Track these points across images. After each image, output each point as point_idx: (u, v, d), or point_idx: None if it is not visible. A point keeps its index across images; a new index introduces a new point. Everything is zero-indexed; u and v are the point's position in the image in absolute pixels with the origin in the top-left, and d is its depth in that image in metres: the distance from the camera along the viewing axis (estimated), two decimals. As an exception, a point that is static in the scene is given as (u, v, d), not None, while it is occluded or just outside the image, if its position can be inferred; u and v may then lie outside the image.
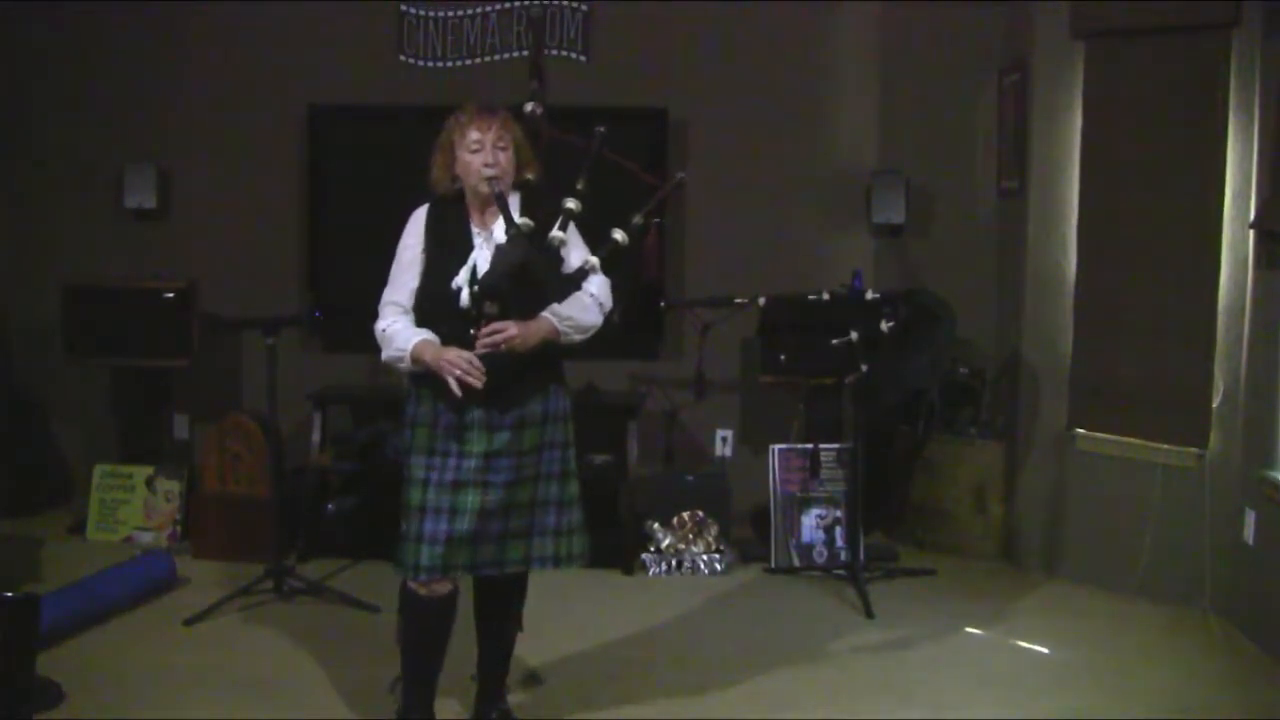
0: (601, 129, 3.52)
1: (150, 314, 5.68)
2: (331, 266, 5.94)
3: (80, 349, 5.72)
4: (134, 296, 5.73)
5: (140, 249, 6.06)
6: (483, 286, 3.35)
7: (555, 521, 3.53)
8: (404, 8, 5.98)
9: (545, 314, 3.40)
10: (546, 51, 5.88)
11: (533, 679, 4.11)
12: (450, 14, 5.98)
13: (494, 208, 3.46)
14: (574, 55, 5.94)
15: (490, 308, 3.33)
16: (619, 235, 3.46)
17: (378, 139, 5.82)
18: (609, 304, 3.52)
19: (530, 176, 3.55)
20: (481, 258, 3.44)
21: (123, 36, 6.05)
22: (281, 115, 6.00)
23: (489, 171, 3.43)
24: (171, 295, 5.69)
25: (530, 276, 3.34)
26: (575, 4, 5.92)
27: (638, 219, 3.51)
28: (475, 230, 3.51)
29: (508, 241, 3.36)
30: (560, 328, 3.42)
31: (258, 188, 6.08)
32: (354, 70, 5.95)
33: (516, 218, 3.40)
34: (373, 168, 5.81)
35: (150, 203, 6.00)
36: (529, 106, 4.25)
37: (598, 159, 3.53)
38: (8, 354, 6.20)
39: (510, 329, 3.34)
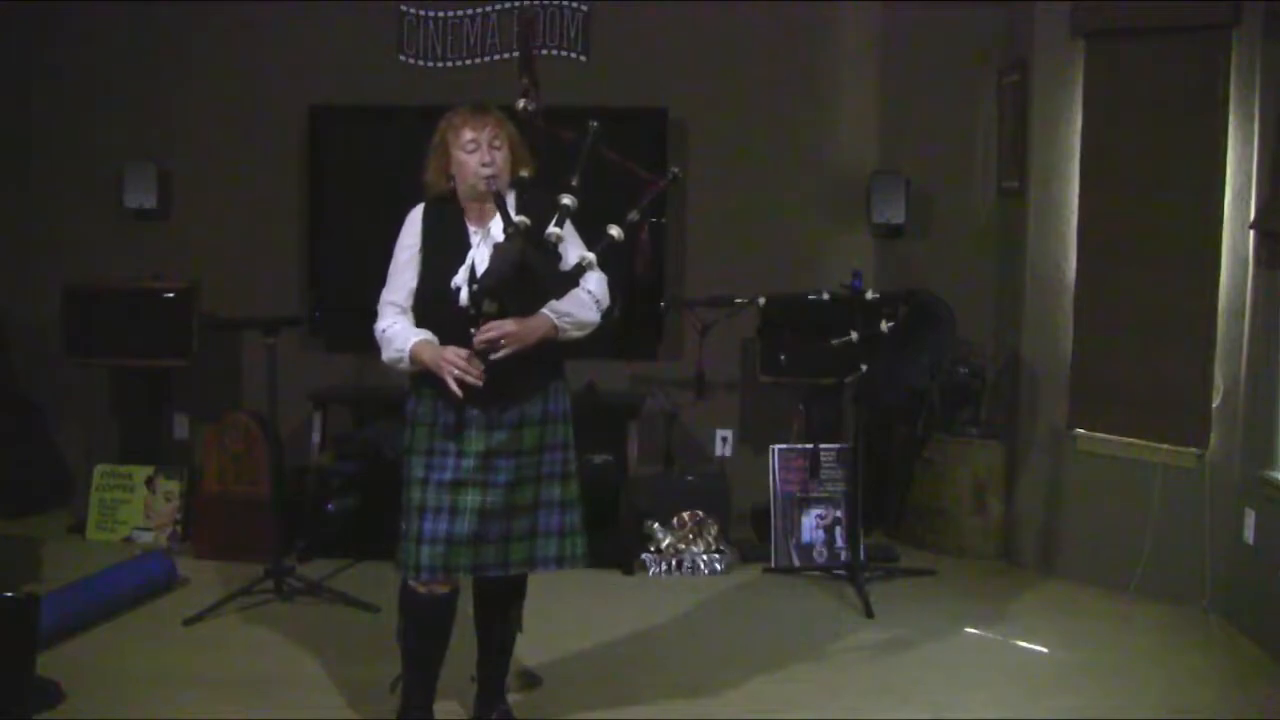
0: (595, 124, 3.51)
1: (150, 314, 5.68)
2: (331, 266, 5.94)
3: (80, 349, 5.71)
4: (134, 296, 5.73)
5: (140, 249, 6.06)
6: (482, 285, 3.34)
7: (559, 523, 3.53)
8: (404, 8, 5.98)
9: (544, 311, 3.40)
10: (545, 51, 5.88)
11: (532, 679, 4.10)
12: (450, 14, 5.98)
13: (490, 206, 3.46)
14: (573, 55, 5.94)
15: (489, 306, 3.32)
16: (615, 232, 3.45)
17: (378, 139, 5.82)
18: (606, 300, 3.52)
19: (525, 174, 3.55)
20: (479, 256, 3.44)
21: (123, 36, 6.05)
22: (281, 115, 6.00)
23: (486, 170, 3.43)
24: (171, 295, 5.69)
25: (529, 274, 3.33)
26: (575, 4, 5.92)
27: (633, 215, 3.50)
28: (472, 229, 3.50)
29: (506, 240, 3.35)
30: (559, 324, 3.42)
31: (258, 188, 6.08)
32: (354, 70, 5.95)
33: (514, 216, 3.40)
34: (373, 168, 5.81)
35: (150, 203, 6.00)
36: (521, 103, 4.24)
37: (592, 154, 3.52)
38: (8, 354, 6.20)
39: (509, 327, 3.33)
